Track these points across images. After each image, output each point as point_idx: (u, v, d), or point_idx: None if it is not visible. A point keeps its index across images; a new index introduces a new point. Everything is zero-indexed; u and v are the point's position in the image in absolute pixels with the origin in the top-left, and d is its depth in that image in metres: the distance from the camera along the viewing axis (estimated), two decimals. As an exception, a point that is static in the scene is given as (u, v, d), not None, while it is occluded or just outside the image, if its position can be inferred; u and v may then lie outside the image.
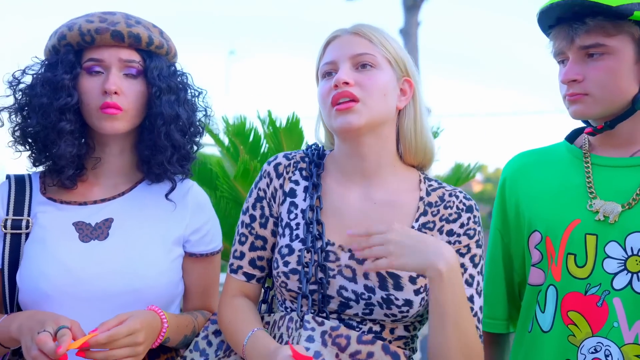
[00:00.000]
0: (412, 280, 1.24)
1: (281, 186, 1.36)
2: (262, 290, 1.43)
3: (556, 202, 1.35)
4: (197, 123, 1.47)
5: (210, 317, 1.43)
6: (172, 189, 1.43)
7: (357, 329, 1.25)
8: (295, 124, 2.37)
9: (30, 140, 1.37)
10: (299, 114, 2.38)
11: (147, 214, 1.41)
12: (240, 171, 2.20)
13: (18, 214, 1.36)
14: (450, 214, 1.32)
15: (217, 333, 1.38)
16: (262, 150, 2.55)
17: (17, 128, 1.37)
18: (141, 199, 1.43)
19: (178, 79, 1.43)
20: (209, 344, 1.37)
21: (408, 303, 1.23)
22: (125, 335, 1.18)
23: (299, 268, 1.26)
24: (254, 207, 1.37)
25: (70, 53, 1.34)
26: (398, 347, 1.26)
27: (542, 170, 1.41)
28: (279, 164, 1.38)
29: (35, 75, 1.37)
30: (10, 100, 1.38)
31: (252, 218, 1.37)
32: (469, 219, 1.32)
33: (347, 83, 1.25)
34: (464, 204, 1.33)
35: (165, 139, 1.37)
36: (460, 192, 1.36)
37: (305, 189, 1.34)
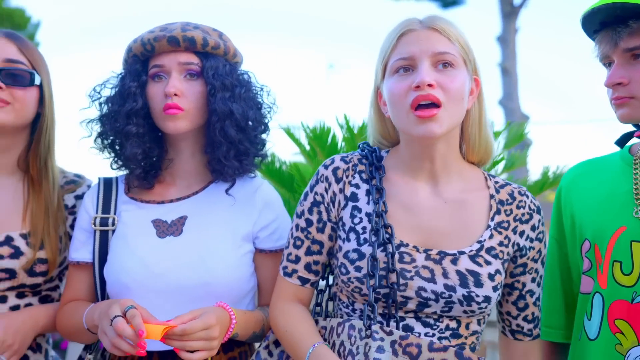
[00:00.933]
0: (491, 277, 1.23)
1: (341, 190, 1.31)
2: (315, 293, 1.40)
3: (604, 210, 1.30)
4: (259, 119, 1.46)
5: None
6: (231, 185, 1.45)
7: (434, 327, 1.22)
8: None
9: (107, 147, 1.46)
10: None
11: (217, 211, 1.44)
12: None
13: (105, 212, 1.44)
14: (523, 214, 1.30)
15: (277, 343, 1.36)
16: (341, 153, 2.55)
17: (97, 136, 1.46)
18: (212, 198, 1.45)
19: (235, 77, 1.43)
20: (270, 354, 1.35)
21: (487, 299, 1.21)
22: (201, 330, 1.20)
23: (373, 272, 1.22)
24: (310, 211, 1.33)
25: (137, 63, 1.40)
26: (472, 343, 1.26)
27: (594, 179, 1.37)
28: (338, 167, 1.32)
29: (113, 88, 1.45)
30: (92, 111, 1.47)
31: (309, 222, 1.32)
32: (539, 221, 1.31)
33: (431, 85, 1.18)
34: (535, 205, 1.32)
35: (220, 135, 1.38)
36: (527, 191, 1.33)
37: (368, 192, 1.30)
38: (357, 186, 1.31)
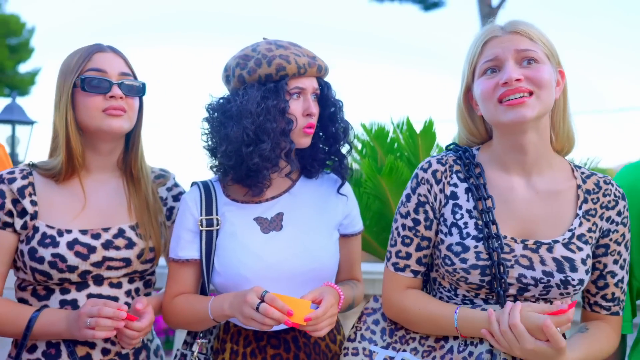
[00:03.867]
0: (583, 262, 1.27)
1: (441, 190, 1.35)
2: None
3: None
4: (348, 133, 1.58)
5: (365, 305, 1.47)
6: (342, 184, 1.55)
7: None
8: (429, 127, 2.48)
9: (255, 161, 1.41)
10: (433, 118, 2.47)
11: (307, 206, 1.52)
12: (387, 169, 2.32)
13: (209, 214, 1.48)
14: (609, 201, 1.32)
15: (375, 322, 1.42)
16: (395, 150, 2.67)
17: (234, 149, 1.41)
18: (300, 193, 1.53)
19: (338, 99, 1.55)
20: (373, 332, 1.42)
21: (581, 282, 1.27)
22: (330, 308, 1.31)
23: (479, 263, 1.26)
24: (416, 211, 1.35)
25: (285, 83, 1.41)
26: None
27: None
28: (436, 170, 1.36)
29: (254, 101, 1.40)
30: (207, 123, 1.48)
31: (416, 222, 1.35)
32: (624, 206, 1.33)
33: (519, 80, 1.22)
34: (619, 192, 1.34)
35: (342, 148, 1.54)
36: (612, 179, 1.35)
37: (467, 190, 1.33)
38: (455, 185, 1.35)
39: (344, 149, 1.55)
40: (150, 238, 1.50)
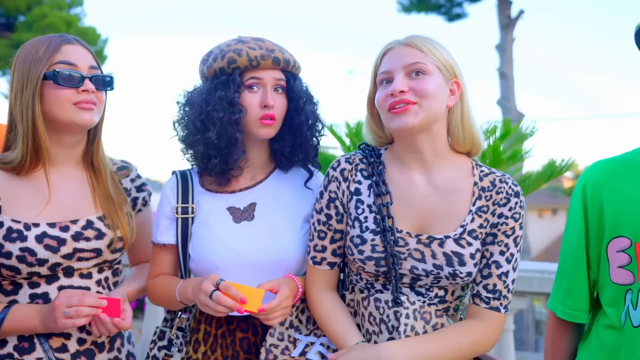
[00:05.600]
0: (472, 256, 1.33)
1: (347, 187, 1.41)
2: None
3: None
4: (321, 125, 1.57)
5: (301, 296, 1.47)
6: (309, 178, 1.56)
7: (425, 295, 1.35)
8: None
9: (198, 148, 1.46)
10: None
11: (281, 197, 1.53)
12: None
13: (185, 202, 1.51)
14: (501, 199, 1.36)
15: (303, 311, 1.47)
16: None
17: (188, 137, 1.47)
18: (274, 185, 1.55)
19: (306, 92, 1.53)
20: (300, 320, 1.46)
21: (469, 274, 1.33)
22: (284, 300, 1.36)
23: (374, 255, 1.33)
24: (327, 207, 1.42)
25: (238, 75, 1.43)
26: (456, 305, 1.40)
27: (628, 179, 1.30)
28: (344, 169, 1.42)
29: (204, 93, 1.45)
30: (177, 114, 1.50)
31: (328, 216, 1.42)
32: (516, 203, 1.36)
33: (402, 92, 1.29)
34: (513, 190, 1.37)
35: (309, 140, 1.52)
36: (509, 178, 1.38)
37: (369, 187, 1.39)
38: (359, 182, 1.41)
39: (312, 142, 1.54)
40: (118, 228, 1.50)
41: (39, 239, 1.37)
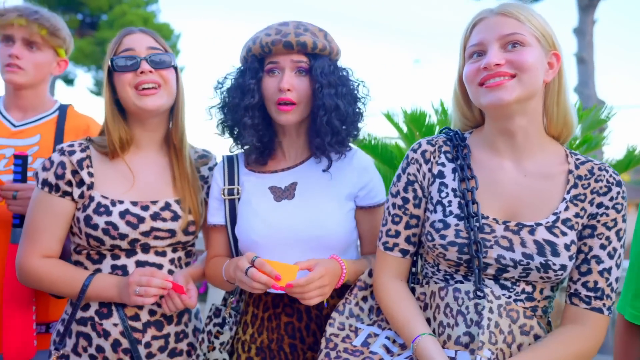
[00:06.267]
0: (567, 247, 1.20)
1: (430, 170, 1.33)
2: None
3: None
4: (357, 110, 1.51)
5: (358, 283, 1.44)
6: (329, 166, 1.51)
7: (511, 290, 1.23)
8: None
9: (228, 132, 1.55)
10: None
11: (321, 177, 1.52)
12: None
13: (231, 184, 1.55)
14: (600, 187, 1.24)
15: (364, 299, 1.41)
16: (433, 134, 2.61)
17: (218, 122, 1.55)
18: (316, 166, 1.54)
19: (338, 75, 1.48)
20: (361, 309, 1.40)
21: (563, 267, 1.20)
22: (318, 279, 1.32)
23: (457, 241, 1.23)
24: (405, 190, 1.35)
25: (255, 62, 1.47)
26: (544, 306, 1.26)
27: None
28: (425, 150, 1.34)
29: (232, 80, 1.53)
30: (216, 100, 1.56)
31: (405, 200, 1.34)
32: (618, 193, 1.24)
33: (498, 64, 1.19)
34: (614, 179, 1.25)
35: (326, 125, 1.45)
36: (609, 166, 1.27)
37: (454, 170, 1.31)
38: (443, 165, 1.33)
39: (330, 128, 1.46)
40: (191, 212, 1.57)
41: (122, 214, 1.49)
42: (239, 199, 1.54)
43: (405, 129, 2.78)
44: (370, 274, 1.42)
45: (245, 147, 1.56)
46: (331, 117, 1.45)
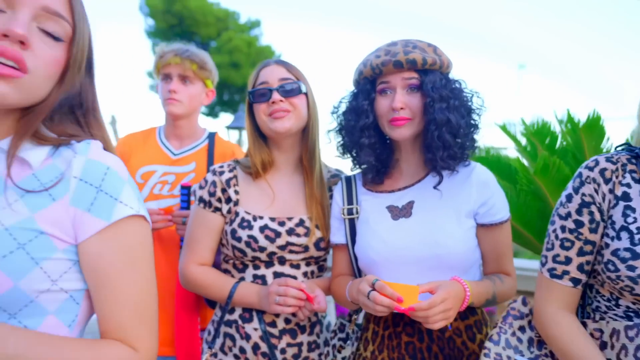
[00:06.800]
0: None
1: (611, 191, 1.19)
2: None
3: None
4: (471, 123, 1.48)
5: (511, 304, 1.37)
6: (439, 182, 1.49)
7: None
8: (595, 120, 2.17)
9: (347, 153, 1.60)
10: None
11: (439, 194, 1.50)
12: (539, 166, 2.12)
13: (350, 204, 1.59)
14: None
15: (522, 329, 1.33)
16: (557, 147, 2.43)
17: (338, 144, 1.60)
18: (433, 183, 1.52)
19: (450, 88, 1.47)
20: (519, 340, 1.31)
21: None
22: (440, 302, 1.27)
23: None
24: (579, 212, 1.22)
25: (367, 83, 1.50)
26: None
27: None
28: (605, 168, 1.20)
29: (346, 104, 1.58)
30: (334, 124, 1.62)
31: (579, 223, 1.21)
32: None
33: None
34: None
35: (438, 140, 1.43)
36: None
37: None
38: (628, 185, 1.19)
39: (442, 142, 1.44)
40: (321, 229, 1.65)
41: (262, 229, 1.60)
42: (357, 218, 1.57)
43: (523, 142, 2.62)
44: (524, 302, 1.34)
45: (363, 167, 1.59)
46: (442, 131, 1.43)
